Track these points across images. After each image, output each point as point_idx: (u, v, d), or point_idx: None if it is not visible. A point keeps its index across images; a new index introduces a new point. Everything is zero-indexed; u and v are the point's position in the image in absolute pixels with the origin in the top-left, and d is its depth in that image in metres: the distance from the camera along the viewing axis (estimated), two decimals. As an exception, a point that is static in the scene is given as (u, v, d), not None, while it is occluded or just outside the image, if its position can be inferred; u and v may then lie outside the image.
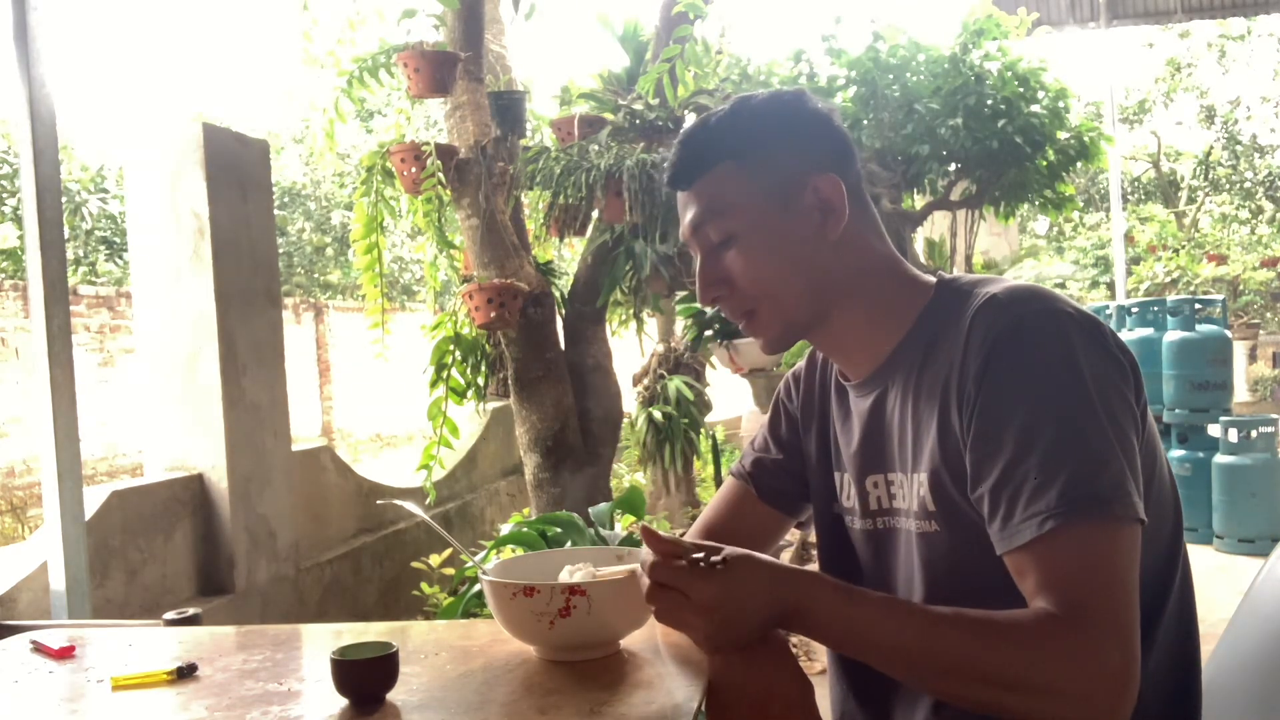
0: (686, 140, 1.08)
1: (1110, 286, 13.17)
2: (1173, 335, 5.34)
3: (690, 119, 3.60)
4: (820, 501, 1.20)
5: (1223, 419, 5.05)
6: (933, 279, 1.09)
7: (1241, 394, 11.40)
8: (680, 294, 3.86)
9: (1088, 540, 0.88)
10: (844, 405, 1.16)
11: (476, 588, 2.36)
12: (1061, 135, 3.78)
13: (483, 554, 2.14)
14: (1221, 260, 14.69)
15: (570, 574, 1.11)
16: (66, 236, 3.14)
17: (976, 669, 0.88)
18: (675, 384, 4.53)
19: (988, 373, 0.95)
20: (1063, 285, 12.29)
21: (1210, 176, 19.04)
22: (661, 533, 0.95)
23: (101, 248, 11.89)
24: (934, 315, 1.05)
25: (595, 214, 3.59)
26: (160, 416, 3.06)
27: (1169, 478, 1.03)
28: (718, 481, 4.94)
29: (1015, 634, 0.87)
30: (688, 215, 1.08)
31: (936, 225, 6.74)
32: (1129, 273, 12.20)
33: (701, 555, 0.93)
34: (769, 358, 3.94)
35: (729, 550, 0.94)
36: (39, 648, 1.20)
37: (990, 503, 0.93)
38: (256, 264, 3.21)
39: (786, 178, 1.05)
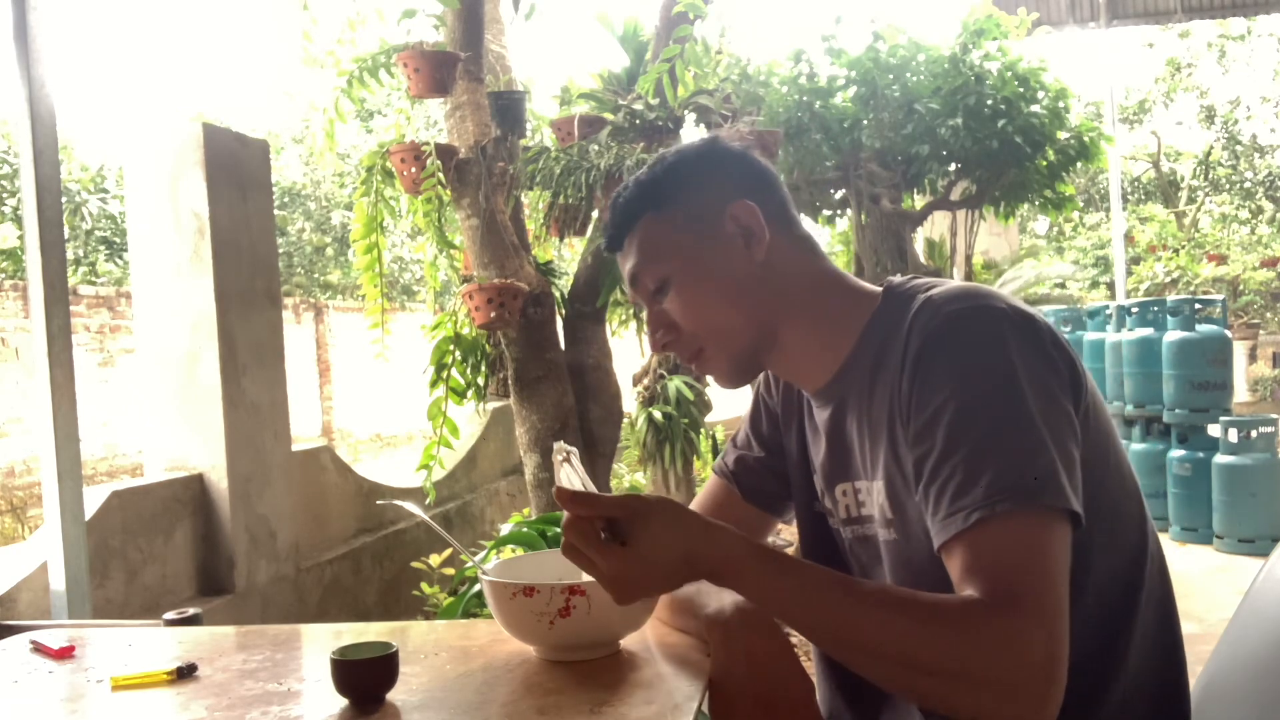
0: (613, 205, 1.11)
1: (1110, 286, 13.18)
2: (1173, 335, 5.34)
3: (690, 119, 3.60)
4: (801, 497, 1.20)
5: (1223, 419, 5.04)
6: (879, 288, 1.09)
7: (1241, 394, 11.39)
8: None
9: (1015, 530, 0.86)
10: (812, 415, 1.16)
11: (476, 588, 2.36)
12: (1061, 135, 3.78)
13: (483, 554, 2.14)
14: (1221, 260, 14.70)
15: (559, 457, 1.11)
16: (66, 236, 3.14)
17: (896, 650, 0.85)
18: (675, 384, 4.52)
19: (919, 372, 0.95)
20: (1063, 285, 12.28)
21: (1210, 176, 19.04)
22: (573, 490, 0.93)
23: (101, 248, 11.89)
24: (880, 323, 1.05)
25: (595, 214, 3.59)
26: (160, 416, 3.06)
27: (1128, 472, 1.03)
28: (718, 482, 4.92)
29: (939, 615, 0.84)
30: (625, 271, 1.11)
31: (936, 225, 6.74)
32: (1129, 273, 12.21)
33: (606, 531, 0.90)
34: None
35: (638, 506, 0.90)
36: (39, 648, 1.20)
37: (924, 499, 0.93)
38: (256, 264, 3.21)
39: (703, 212, 1.07)
